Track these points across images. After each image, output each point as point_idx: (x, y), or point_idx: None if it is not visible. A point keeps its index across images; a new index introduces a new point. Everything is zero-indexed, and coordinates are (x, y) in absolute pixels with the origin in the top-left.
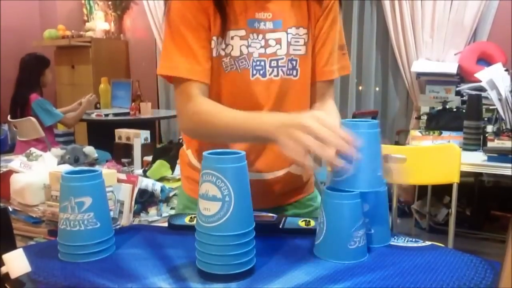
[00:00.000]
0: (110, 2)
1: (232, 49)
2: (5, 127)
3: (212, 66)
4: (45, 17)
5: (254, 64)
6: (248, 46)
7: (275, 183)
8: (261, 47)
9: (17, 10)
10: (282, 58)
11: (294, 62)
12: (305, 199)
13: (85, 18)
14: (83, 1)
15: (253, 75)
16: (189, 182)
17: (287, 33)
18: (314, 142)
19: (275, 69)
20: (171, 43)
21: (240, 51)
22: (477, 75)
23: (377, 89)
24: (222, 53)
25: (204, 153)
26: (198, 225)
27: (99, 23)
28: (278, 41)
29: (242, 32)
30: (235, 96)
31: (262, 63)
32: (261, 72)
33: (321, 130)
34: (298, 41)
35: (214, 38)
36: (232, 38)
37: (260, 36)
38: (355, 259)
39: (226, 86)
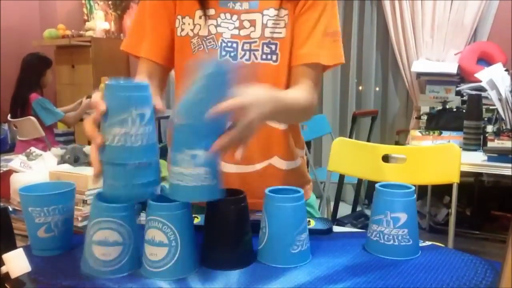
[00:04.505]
0: (110, 2)
1: (200, 29)
2: (5, 126)
3: (178, 46)
4: (45, 16)
5: (223, 45)
6: (217, 26)
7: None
8: (235, 28)
9: (17, 10)
10: (255, 42)
11: (273, 46)
12: None
13: (85, 17)
14: (83, 1)
15: (221, 56)
16: None
17: (263, 15)
18: None
19: (247, 53)
20: (132, 22)
21: (208, 30)
22: (477, 75)
23: (377, 89)
24: (190, 33)
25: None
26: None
27: (99, 23)
28: (253, 23)
29: (211, 11)
30: None
31: (234, 45)
32: (232, 54)
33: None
34: (278, 23)
35: (179, 17)
36: (200, 17)
37: (235, 17)
38: (297, 263)
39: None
